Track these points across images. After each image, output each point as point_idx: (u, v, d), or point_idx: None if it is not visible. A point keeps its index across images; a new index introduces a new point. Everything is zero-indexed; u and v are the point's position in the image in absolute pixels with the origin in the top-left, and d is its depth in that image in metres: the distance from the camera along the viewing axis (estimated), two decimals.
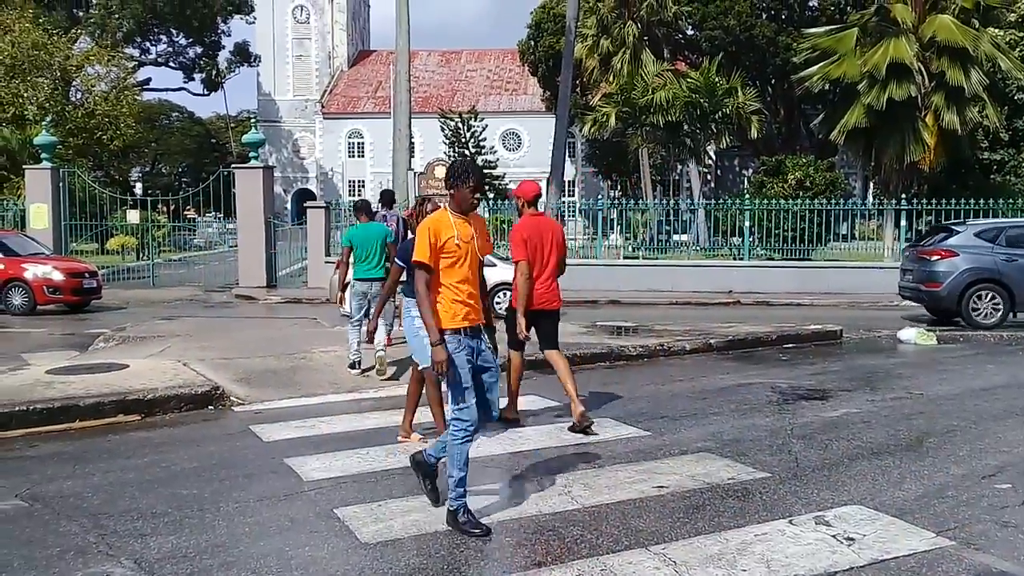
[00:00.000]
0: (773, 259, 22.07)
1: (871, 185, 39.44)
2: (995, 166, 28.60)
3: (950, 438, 6.70)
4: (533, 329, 7.21)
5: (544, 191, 32.27)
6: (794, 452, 6.27)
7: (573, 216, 36.52)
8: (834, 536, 4.58)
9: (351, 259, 9.30)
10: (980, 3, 25.22)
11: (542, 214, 7.55)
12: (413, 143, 28.51)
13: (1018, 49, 27.81)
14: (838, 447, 6.43)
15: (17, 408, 7.16)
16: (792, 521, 4.80)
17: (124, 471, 5.95)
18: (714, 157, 50.30)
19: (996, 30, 26.96)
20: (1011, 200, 21.77)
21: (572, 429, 6.89)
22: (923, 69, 24.41)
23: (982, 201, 20.66)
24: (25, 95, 35.35)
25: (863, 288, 19.48)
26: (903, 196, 22.99)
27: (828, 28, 27.86)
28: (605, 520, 4.86)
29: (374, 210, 10.67)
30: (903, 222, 21.72)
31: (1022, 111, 28.10)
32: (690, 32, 43.31)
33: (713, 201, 26.03)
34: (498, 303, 15.27)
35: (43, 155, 22.22)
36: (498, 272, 15.37)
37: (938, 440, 6.64)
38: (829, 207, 21.95)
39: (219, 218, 40.12)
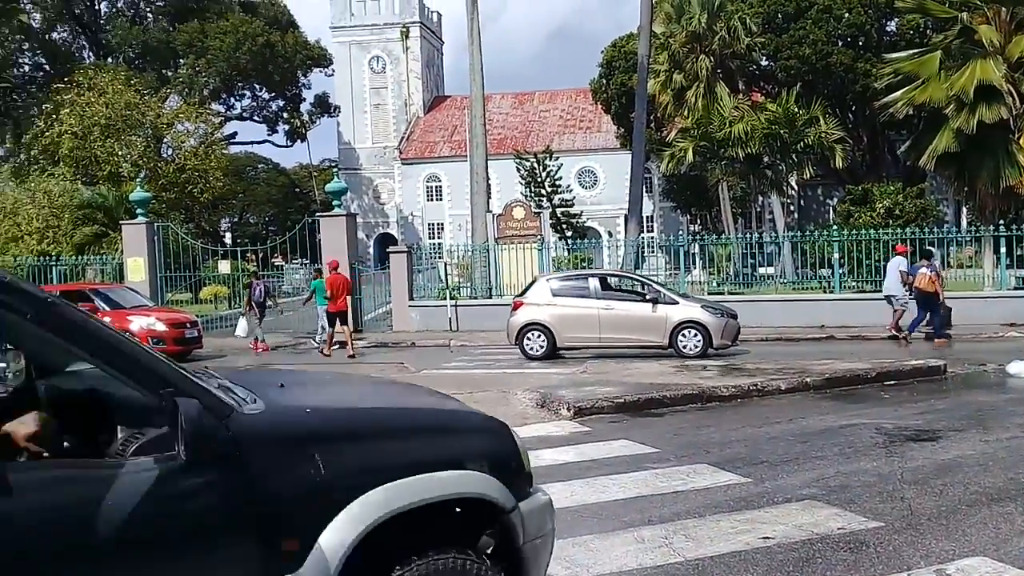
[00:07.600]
0: (865, 291, 21.34)
1: (964, 211, 38.05)
2: None
3: None
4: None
5: (623, 227, 31.82)
6: (907, 499, 5.94)
7: (653, 252, 36.17)
8: None
9: None
10: None
11: (340, 274, 17.84)
12: (490, 184, 28.76)
13: None
14: (954, 493, 6.08)
15: None
16: (912, 575, 4.53)
17: None
18: (796, 188, 49.33)
19: None
20: None
21: None
22: (1012, 90, 23.47)
23: None
24: (120, 153, 37.06)
25: (965, 319, 18.55)
26: (1000, 222, 22.07)
27: (910, 52, 27.06)
28: (710, 574, 4.67)
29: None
30: (1002, 248, 20.84)
31: None
32: (764, 63, 42.71)
33: (799, 232, 25.46)
34: (682, 341, 15.08)
35: (138, 210, 23.09)
36: (680, 310, 15.27)
37: None
38: (922, 235, 21.18)
39: (305, 264, 41.03)
